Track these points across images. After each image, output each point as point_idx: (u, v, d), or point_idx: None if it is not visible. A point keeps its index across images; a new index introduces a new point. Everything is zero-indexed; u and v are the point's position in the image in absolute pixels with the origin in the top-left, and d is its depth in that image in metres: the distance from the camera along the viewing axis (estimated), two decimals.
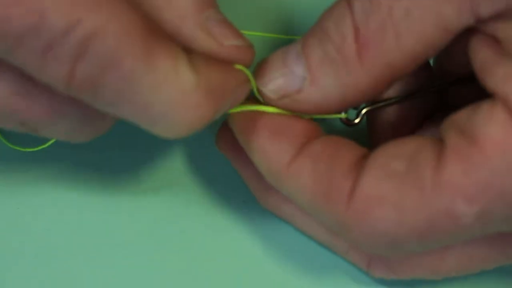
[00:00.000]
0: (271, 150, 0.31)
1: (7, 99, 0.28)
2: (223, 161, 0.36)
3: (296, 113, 0.31)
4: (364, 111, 0.33)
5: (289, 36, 0.39)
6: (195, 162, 0.37)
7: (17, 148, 0.36)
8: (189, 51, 0.29)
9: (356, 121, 0.33)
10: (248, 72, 0.31)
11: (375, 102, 0.34)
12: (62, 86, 0.27)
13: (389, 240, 0.29)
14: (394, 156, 0.29)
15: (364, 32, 0.29)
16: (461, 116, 0.29)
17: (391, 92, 0.34)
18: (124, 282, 0.35)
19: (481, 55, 0.29)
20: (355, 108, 0.33)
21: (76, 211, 0.36)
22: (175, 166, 0.37)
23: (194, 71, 0.28)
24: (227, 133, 0.34)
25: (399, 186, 0.29)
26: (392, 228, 0.29)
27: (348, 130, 0.35)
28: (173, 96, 0.28)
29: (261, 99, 0.31)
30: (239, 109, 0.32)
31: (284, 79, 0.31)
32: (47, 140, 0.34)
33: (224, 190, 0.37)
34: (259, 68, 0.32)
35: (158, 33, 0.28)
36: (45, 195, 0.36)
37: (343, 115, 0.32)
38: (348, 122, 0.33)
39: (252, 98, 0.32)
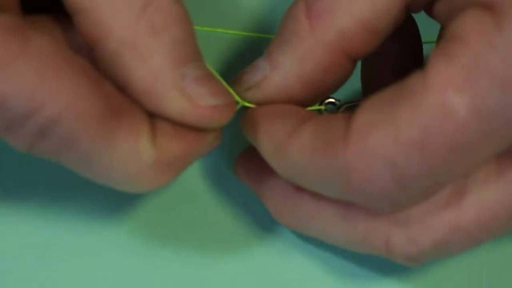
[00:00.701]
0: (276, 125, 0.31)
1: None
2: (223, 161, 0.36)
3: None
4: (345, 107, 0.33)
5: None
6: (195, 162, 0.37)
7: None
8: (154, 119, 0.30)
9: None
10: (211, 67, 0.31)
11: (355, 100, 0.34)
12: (24, 151, 0.28)
13: (390, 164, 0.28)
14: (382, 91, 0.29)
15: (316, 5, 0.30)
16: (437, 39, 0.29)
17: None
18: (124, 281, 0.35)
19: None
20: (335, 104, 0.33)
21: (76, 211, 0.36)
22: None
23: (155, 147, 0.29)
24: (245, 160, 0.35)
25: (389, 104, 0.28)
26: (389, 146, 0.28)
27: None
28: (130, 171, 0.29)
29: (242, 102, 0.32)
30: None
31: (250, 73, 0.32)
32: None
33: (224, 191, 0.37)
34: (235, 79, 0.33)
35: (121, 110, 0.29)
36: (45, 195, 0.36)
37: (322, 107, 0.32)
38: None
39: None
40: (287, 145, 0.30)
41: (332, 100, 0.32)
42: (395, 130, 0.28)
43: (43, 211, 0.36)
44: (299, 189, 0.32)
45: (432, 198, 0.31)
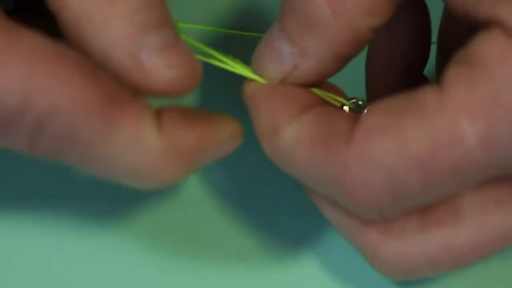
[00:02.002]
0: (279, 109, 0.30)
1: None
2: (223, 161, 0.36)
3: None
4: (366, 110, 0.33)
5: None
6: None
7: None
8: (158, 111, 0.29)
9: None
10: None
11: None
12: (24, 152, 0.28)
13: (389, 174, 0.28)
14: (393, 97, 0.29)
15: None
16: (459, 53, 0.29)
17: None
18: (124, 281, 0.35)
19: None
20: (357, 104, 0.32)
21: (76, 211, 0.36)
22: None
23: (162, 134, 0.28)
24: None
25: (399, 115, 0.28)
26: (391, 156, 0.28)
27: None
28: (136, 161, 0.28)
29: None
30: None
31: (277, 62, 0.31)
32: None
33: (224, 191, 0.37)
34: (253, 65, 0.32)
35: (120, 99, 0.28)
36: (45, 195, 0.36)
37: (348, 103, 0.32)
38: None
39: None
40: (283, 130, 0.30)
41: (357, 100, 0.32)
42: (401, 142, 0.28)
43: (43, 211, 0.36)
44: None
45: (428, 214, 0.31)
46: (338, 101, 0.32)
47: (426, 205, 0.30)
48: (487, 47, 0.27)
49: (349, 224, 0.32)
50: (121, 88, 0.29)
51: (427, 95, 0.28)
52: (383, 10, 0.29)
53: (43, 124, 0.27)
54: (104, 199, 0.36)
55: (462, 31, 0.32)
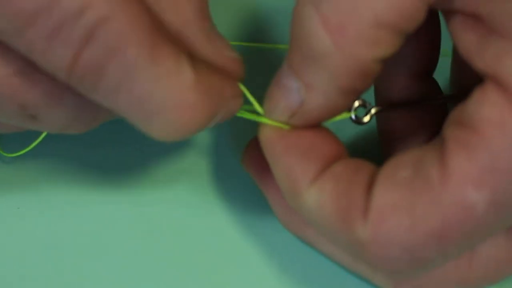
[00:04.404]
0: (297, 168, 0.30)
1: (8, 79, 0.28)
2: (223, 162, 0.36)
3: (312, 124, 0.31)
4: (373, 111, 0.33)
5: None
6: (195, 163, 0.37)
7: (9, 155, 0.36)
8: (190, 55, 0.29)
9: (366, 120, 0.33)
10: (242, 87, 0.31)
11: (384, 105, 0.34)
12: (64, 73, 0.27)
13: (407, 251, 0.29)
14: (400, 165, 0.29)
15: (333, 20, 0.28)
16: (456, 110, 0.29)
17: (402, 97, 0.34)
18: (124, 280, 0.35)
19: (465, 39, 0.29)
20: (364, 106, 0.32)
21: (76, 211, 0.36)
22: (175, 167, 0.37)
23: (195, 71, 0.28)
24: (254, 152, 0.34)
25: (408, 191, 0.28)
26: (407, 234, 0.28)
27: (359, 130, 0.36)
28: (171, 91, 0.28)
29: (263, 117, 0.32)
30: (242, 115, 0.32)
31: (284, 98, 0.31)
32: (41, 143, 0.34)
33: (224, 191, 0.37)
34: (265, 105, 0.32)
35: (163, 31, 0.28)
36: (45, 195, 0.36)
37: (352, 113, 0.32)
38: (358, 121, 0.32)
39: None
40: (306, 195, 0.30)
41: (361, 102, 0.32)
42: (413, 220, 0.28)
43: (43, 211, 0.36)
44: None
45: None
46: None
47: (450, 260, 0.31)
48: (483, 109, 0.28)
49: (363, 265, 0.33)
50: (165, 28, 0.29)
51: (432, 171, 0.28)
52: (388, 41, 0.29)
53: (94, 32, 0.26)
54: (105, 199, 0.36)
55: None
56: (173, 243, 0.36)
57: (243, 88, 0.31)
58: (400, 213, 0.28)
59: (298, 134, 0.31)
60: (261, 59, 0.37)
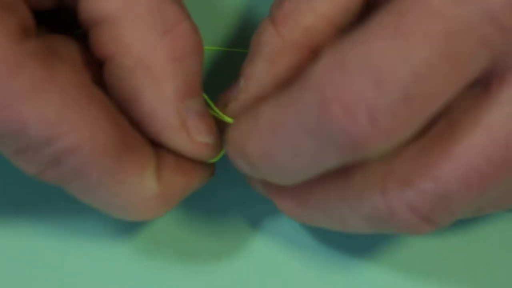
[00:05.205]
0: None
1: None
2: (223, 162, 0.36)
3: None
4: None
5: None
6: None
7: None
8: (157, 156, 0.30)
9: None
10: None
11: None
12: (29, 174, 0.29)
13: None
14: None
15: (278, 13, 0.30)
16: None
17: None
18: (124, 280, 0.35)
19: None
20: None
21: (76, 211, 0.36)
22: None
23: (159, 180, 0.30)
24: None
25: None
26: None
27: None
28: (133, 202, 0.30)
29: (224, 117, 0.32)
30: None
31: (228, 92, 0.32)
32: None
33: (224, 191, 0.37)
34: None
35: (132, 145, 0.29)
36: (45, 195, 0.36)
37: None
38: None
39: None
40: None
41: None
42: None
43: (43, 211, 0.36)
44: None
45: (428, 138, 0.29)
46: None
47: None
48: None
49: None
50: (135, 134, 0.30)
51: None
52: (327, 34, 0.30)
53: (61, 158, 0.28)
54: None
55: None
56: (173, 242, 0.36)
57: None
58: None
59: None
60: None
